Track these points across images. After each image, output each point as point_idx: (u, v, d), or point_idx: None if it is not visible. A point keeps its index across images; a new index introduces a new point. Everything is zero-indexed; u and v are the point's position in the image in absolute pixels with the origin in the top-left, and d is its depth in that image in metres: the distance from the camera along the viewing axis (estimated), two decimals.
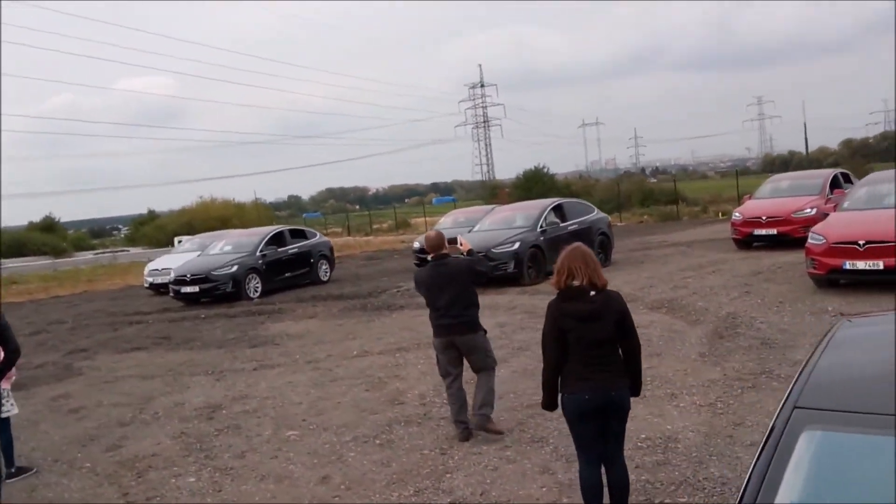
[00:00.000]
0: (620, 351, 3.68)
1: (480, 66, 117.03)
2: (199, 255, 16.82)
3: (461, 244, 5.61)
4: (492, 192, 62.28)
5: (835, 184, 15.25)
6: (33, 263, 41.21)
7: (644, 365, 7.07)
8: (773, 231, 14.45)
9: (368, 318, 11.59)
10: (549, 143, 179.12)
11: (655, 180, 63.28)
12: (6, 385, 5.44)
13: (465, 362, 5.49)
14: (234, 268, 15.30)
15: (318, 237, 18.28)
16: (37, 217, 60.22)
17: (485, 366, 5.41)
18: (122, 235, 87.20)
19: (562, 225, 14.16)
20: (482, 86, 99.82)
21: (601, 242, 14.95)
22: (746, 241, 15.13)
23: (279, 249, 16.53)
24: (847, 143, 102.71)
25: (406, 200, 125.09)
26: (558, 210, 14.45)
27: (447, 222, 19.38)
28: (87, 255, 47.12)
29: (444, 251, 5.42)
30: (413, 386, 7.01)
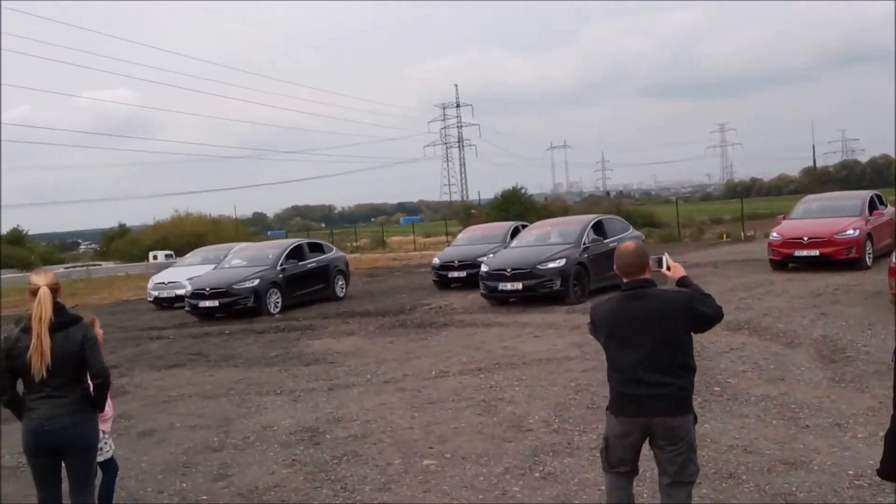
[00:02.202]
0: None
1: (456, 86, 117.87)
2: (215, 269, 15.99)
3: (667, 267, 3.64)
4: (467, 213, 62.15)
5: (871, 205, 15.12)
6: (3, 276, 39.48)
7: (772, 390, 6.67)
8: (816, 252, 14.20)
9: (418, 337, 10.95)
10: (514, 164, 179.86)
11: (609, 204, 63.61)
12: (105, 427, 4.30)
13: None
14: (256, 282, 14.52)
15: (334, 252, 17.58)
16: (3, 229, 57.99)
17: (683, 477, 3.39)
18: (84, 249, 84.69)
19: (604, 242, 13.73)
20: (458, 106, 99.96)
21: None
22: (783, 263, 14.90)
23: (299, 263, 15.80)
24: (808, 172, 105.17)
25: (372, 219, 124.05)
26: (598, 227, 14.03)
27: (463, 238, 18.87)
28: (58, 269, 45.34)
29: (646, 275, 3.47)
30: (529, 411, 6.41)
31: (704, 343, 8.72)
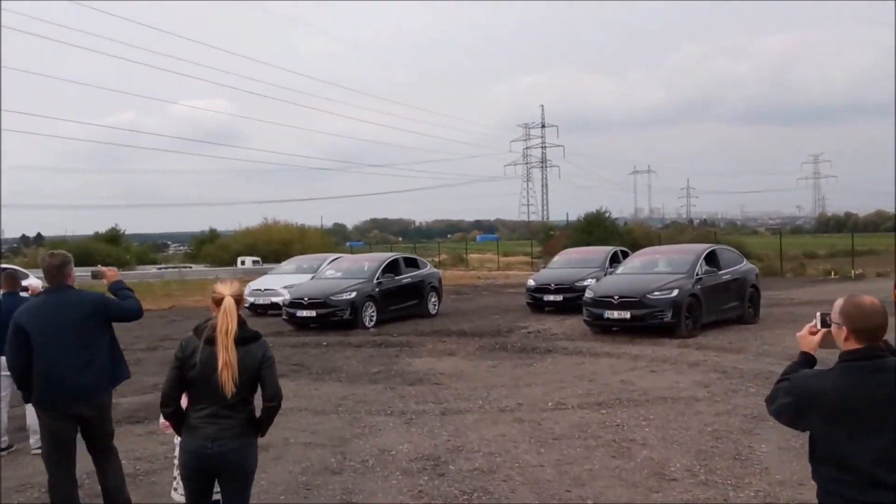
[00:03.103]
0: None
1: (542, 107, 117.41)
2: (312, 279, 16.03)
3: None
4: (547, 234, 61.31)
5: None
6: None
7: None
8: None
9: (522, 363, 10.54)
10: (594, 187, 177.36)
11: (696, 232, 61.44)
12: None
13: None
14: (353, 294, 14.44)
15: (428, 267, 17.41)
16: (101, 228, 60.55)
17: None
18: (173, 251, 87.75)
19: (718, 273, 13.02)
20: (543, 126, 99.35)
21: (752, 296, 13.76)
22: None
23: (395, 278, 15.66)
24: None
25: (448, 236, 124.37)
26: (711, 257, 13.31)
27: (559, 261, 18.37)
28: (151, 270, 46.99)
29: (883, 338, 2.58)
30: (668, 457, 5.90)
31: None
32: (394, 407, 7.89)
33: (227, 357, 3.25)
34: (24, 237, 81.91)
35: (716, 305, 12.70)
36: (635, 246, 22.02)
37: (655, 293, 12.03)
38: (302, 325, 14.84)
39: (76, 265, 4.65)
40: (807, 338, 2.75)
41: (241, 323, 3.39)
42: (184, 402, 3.52)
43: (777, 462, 5.65)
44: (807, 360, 2.75)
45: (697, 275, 12.60)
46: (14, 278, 6.56)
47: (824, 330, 2.71)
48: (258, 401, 3.50)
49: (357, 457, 6.11)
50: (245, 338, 3.37)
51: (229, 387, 3.25)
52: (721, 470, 5.54)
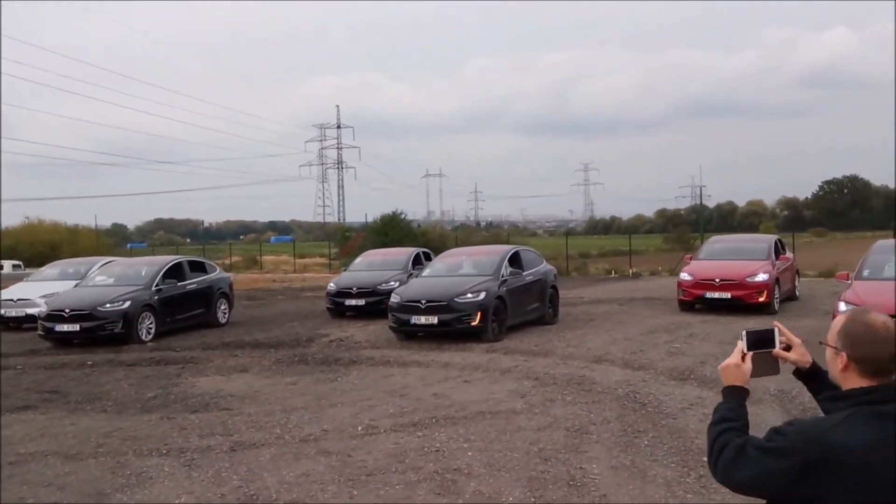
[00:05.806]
0: None
1: (338, 107, 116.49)
2: (76, 286, 13.73)
3: (786, 346, 2.12)
4: (344, 236, 60.47)
5: (776, 250, 15.24)
6: None
7: None
8: (727, 295, 14.04)
9: (325, 377, 9.54)
10: (389, 189, 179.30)
11: (488, 234, 64.39)
12: None
13: None
14: (126, 304, 12.50)
15: (217, 272, 15.72)
16: None
17: None
18: None
19: (522, 274, 12.87)
20: (339, 127, 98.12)
21: (551, 297, 13.81)
22: (691, 304, 14.68)
23: (178, 284, 13.86)
24: (661, 213, 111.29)
25: (241, 237, 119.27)
26: (515, 258, 13.15)
27: (362, 264, 17.53)
28: None
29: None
30: (498, 489, 5.21)
31: (657, 395, 7.93)
32: (171, 443, 6.54)
33: None
34: None
35: (520, 307, 12.54)
36: (431, 247, 21.82)
37: (463, 297, 11.57)
38: (63, 342, 12.62)
39: None
40: (736, 368, 2.06)
41: None
42: None
43: (613, 486, 5.19)
44: (740, 395, 2.06)
45: (503, 276, 12.34)
46: None
47: (751, 353, 2.08)
48: None
49: None
50: None
51: None
52: (557, 501, 4.96)
